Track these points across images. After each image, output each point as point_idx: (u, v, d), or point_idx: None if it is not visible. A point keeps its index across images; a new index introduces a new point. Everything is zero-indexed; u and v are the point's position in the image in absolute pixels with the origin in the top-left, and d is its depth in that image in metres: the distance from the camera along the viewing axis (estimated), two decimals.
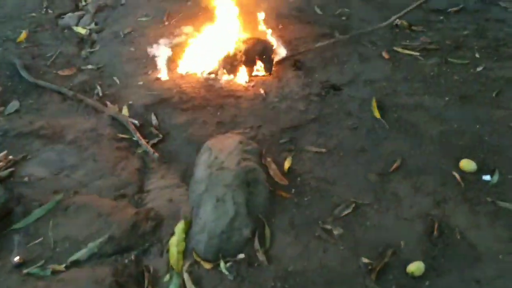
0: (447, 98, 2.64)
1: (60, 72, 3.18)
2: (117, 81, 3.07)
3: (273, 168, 2.26)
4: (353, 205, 2.07)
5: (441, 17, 3.46)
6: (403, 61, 3.01)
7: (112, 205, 2.11)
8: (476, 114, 2.50)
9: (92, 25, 3.79)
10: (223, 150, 2.29)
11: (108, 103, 2.87)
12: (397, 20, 3.42)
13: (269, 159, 2.32)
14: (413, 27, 3.37)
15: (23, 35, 3.54)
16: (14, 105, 2.75)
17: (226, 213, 1.95)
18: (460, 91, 2.69)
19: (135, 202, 2.18)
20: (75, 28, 3.77)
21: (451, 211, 1.99)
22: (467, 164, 2.20)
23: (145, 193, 2.25)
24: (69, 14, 3.91)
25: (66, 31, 3.72)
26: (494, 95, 2.64)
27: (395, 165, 2.25)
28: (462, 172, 2.18)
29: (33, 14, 3.90)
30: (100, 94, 2.96)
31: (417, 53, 3.06)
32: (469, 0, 3.65)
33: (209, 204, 2.01)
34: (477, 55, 3.00)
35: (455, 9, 3.52)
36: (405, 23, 3.40)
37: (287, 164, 2.30)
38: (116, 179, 2.28)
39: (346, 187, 2.17)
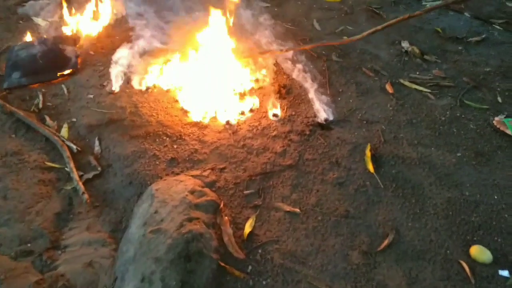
0: (459, 154, 2.12)
1: (0, 73, 2.67)
2: (65, 90, 2.56)
3: (228, 233, 1.74)
4: None
5: (460, 47, 2.93)
6: (409, 98, 2.48)
7: (9, 266, 1.60)
8: (494, 179, 1.99)
9: (55, 18, 3.27)
10: (168, 201, 1.78)
11: (47, 118, 2.36)
12: (408, 46, 2.90)
13: (226, 217, 1.81)
14: (425, 56, 2.84)
15: None
16: None
17: None
18: (475, 146, 2.17)
19: (42, 263, 1.66)
20: (34, 19, 3.25)
21: None
22: (479, 253, 1.69)
23: (59, 250, 1.73)
24: (31, 2, 3.38)
25: (22, 22, 3.20)
26: None
27: (385, 242, 1.75)
28: (472, 262, 1.67)
29: None
30: (40, 105, 2.44)
31: (428, 90, 2.53)
32: (494, 29, 3.11)
33: (133, 282, 1.50)
34: (499, 99, 2.47)
35: (476, 39, 2.99)
36: (416, 50, 2.87)
37: (247, 228, 1.79)
38: (26, 227, 1.76)
39: (319, 269, 1.66)
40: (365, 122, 2.31)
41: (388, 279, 1.63)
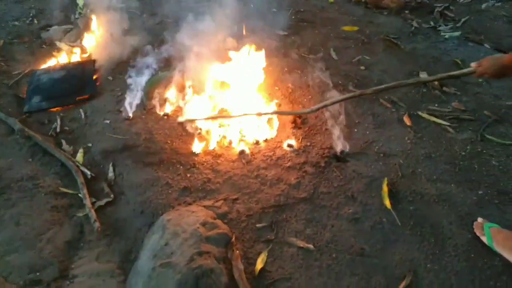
0: (480, 192, 2.05)
1: (22, 95, 2.73)
2: (82, 115, 2.59)
3: (239, 269, 1.70)
4: None
5: (480, 80, 2.88)
6: (427, 131, 2.43)
7: None
8: None
9: (77, 43, 3.36)
10: (179, 233, 1.75)
11: (64, 142, 2.38)
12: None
13: (237, 252, 1.76)
14: (444, 88, 2.80)
15: None
16: None
17: None
18: (498, 183, 2.09)
19: None
20: (57, 43, 3.34)
21: None
22: None
23: (67, 280, 1.70)
24: (55, 27, 3.49)
25: (45, 46, 3.29)
26: None
27: (402, 284, 1.67)
28: None
29: (16, 23, 3.49)
30: (58, 129, 2.47)
31: (447, 123, 2.48)
32: None
33: None
34: None
35: None
36: (435, 82, 2.83)
37: (259, 264, 1.74)
38: (36, 255, 1.75)
39: None
40: (382, 155, 2.26)
41: None
